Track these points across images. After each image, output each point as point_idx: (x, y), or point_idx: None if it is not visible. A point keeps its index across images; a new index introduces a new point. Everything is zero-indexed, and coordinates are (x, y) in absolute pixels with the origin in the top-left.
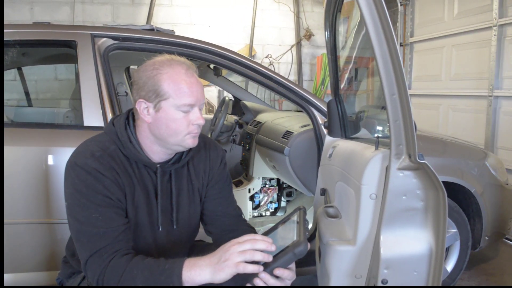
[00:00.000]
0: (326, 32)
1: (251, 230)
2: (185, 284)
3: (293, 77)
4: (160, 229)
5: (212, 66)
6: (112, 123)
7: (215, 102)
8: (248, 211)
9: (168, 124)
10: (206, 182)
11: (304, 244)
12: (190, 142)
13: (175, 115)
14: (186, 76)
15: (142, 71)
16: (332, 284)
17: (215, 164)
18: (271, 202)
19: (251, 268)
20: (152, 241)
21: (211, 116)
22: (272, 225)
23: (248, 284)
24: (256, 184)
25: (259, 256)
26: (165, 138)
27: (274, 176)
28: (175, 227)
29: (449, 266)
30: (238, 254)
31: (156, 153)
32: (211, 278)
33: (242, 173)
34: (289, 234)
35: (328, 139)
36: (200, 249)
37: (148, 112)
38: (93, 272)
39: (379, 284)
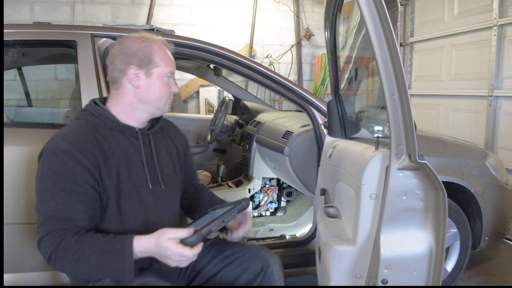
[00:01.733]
0: (326, 32)
1: (214, 197)
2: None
3: (293, 77)
4: (151, 186)
5: (212, 66)
6: (81, 110)
7: (215, 102)
8: (248, 211)
9: (157, 88)
10: (183, 157)
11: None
12: (167, 107)
13: (162, 81)
14: (168, 50)
15: (131, 43)
16: (332, 284)
17: (185, 142)
18: (271, 202)
19: (186, 263)
20: (142, 206)
21: (211, 116)
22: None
23: None
24: (256, 184)
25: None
26: (152, 102)
27: (274, 176)
28: (162, 186)
29: (449, 266)
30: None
31: (134, 120)
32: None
33: (242, 173)
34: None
35: (328, 139)
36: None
37: (139, 78)
38: (44, 251)
39: (379, 284)
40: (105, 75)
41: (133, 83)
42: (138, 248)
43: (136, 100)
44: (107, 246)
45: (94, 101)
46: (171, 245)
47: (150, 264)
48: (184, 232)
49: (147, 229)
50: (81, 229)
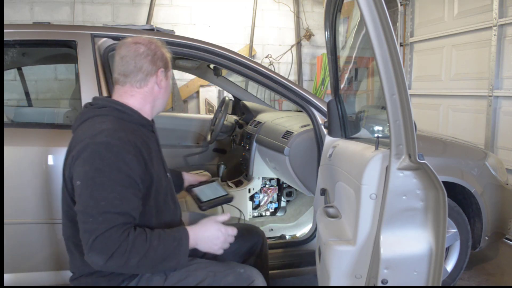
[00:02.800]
0: (326, 32)
1: None
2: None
3: (293, 77)
4: (169, 176)
5: (212, 66)
6: (98, 108)
7: (215, 102)
8: (248, 211)
9: (169, 90)
10: None
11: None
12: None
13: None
14: None
15: (157, 46)
16: (332, 284)
17: None
18: (271, 202)
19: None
20: (168, 190)
21: (211, 116)
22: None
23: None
24: (256, 184)
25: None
26: (165, 101)
27: (274, 176)
28: (169, 176)
29: (449, 266)
30: (220, 248)
31: (150, 115)
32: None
33: (242, 173)
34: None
35: (328, 139)
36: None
37: (162, 80)
38: (107, 246)
39: (379, 284)
40: (105, 72)
41: (159, 84)
42: (191, 237)
43: (155, 99)
44: (167, 239)
45: (107, 98)
46: (222, 227)
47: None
48: (224, 217)
49: (174, 220)
50: (136, 225)
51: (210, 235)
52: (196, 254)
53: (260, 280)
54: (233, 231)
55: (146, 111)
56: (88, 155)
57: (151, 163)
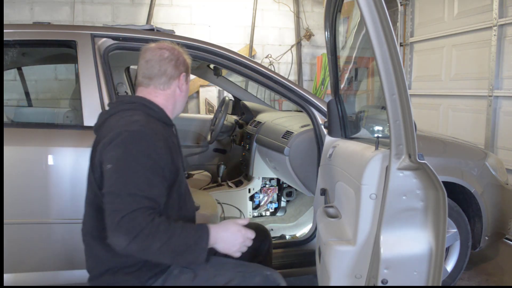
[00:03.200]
0: (326, 32)
1: None
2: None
3: (293, 77)
4: (186, 173)
5: (212, 66)
6: (126, 102)
7: (215, 102)
8: (248, 211)
9: (187, 93)
10: None
11: None
12: None
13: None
14: None
15: (179, 52)
16: (332, 284)
17: None
18: (271, 202)
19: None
20: (187, 188)
21: (211, 116)
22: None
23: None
24: (256, 184)
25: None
26: (184, 103)
27: (274, 176)
28: (185, 172)
29: (449, 266)
30: (238, 250)
31: (172, 116)
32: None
33: (242, 173)
34: None
35: (328, 139)
36: None
37: (183, 84)
38: (132, 226)
39: (379, 284)
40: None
41: (180, 88)
42: (211, 235)
43: (175, 101)
44: (189, 231)
45: (134, 95)
46: (242, 229)
47: None
48: (244, 221)
49: (192, 217)
50: (159, 208)
51: (230, 235)
52: (209, 252)
53: (284, 284)
54: (252, 234)
55: (170, 112)
56: (121, 140)
57: (176, 157)
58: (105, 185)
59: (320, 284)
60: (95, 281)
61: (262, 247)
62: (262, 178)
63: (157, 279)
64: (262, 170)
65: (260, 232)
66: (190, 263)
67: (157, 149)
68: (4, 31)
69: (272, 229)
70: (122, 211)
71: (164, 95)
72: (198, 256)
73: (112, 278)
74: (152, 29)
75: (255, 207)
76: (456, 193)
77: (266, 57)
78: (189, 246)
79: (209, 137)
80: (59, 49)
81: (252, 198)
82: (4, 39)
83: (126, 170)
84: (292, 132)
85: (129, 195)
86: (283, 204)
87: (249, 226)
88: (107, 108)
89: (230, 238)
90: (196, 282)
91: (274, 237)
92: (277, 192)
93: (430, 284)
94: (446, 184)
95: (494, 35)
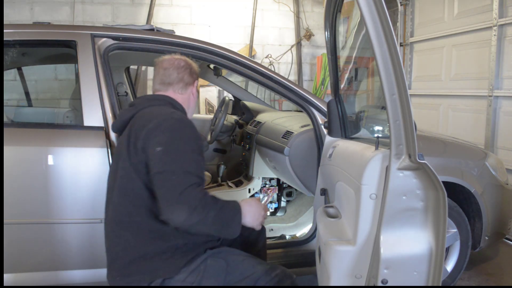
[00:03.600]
0: (326, 32)
1: None
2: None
3: (293, 77)
4: None
5: (212, 66)
6: (154, 99)
7: (215, 102)
8: None
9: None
10: None
11: None
12: None
13: None
14: None
15: (191, 62)
16: (332, 284)
17: None
18: (271, 202)
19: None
20: None
21: (211, 116)
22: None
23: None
24: (256, 184)
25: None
26: (195, 108)
27: (274, 176)
28: None
29: (449, 266)
30: (260, 224)
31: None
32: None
33: (242, 173)
34: None
35: (328, 139)
36: None
37: (195, 89)
38: (194, 196)
39: (379, 284)
40: (105, 72)
41: (194, 93)
42: (242, 210)
43: (189, 105)
44: (228, 206)
45: (157, 94)
46: (263, 205)
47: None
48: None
49: None
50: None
51: (255, 209)
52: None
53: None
54: (266, 211)
55: (185, 113)
56: (168, 126)
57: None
58: (155, 166)
59: (320, 284)
60: (125, 269)
61: (260, 239)
62: (262, 178)
63: (191, 265)
64: (262, 170)
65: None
66: (231, 235)
67: (197, 135)
68: (4, 31)
69: (272, 229)
70: (180, 186)
71: (181, 98)
72: (236, 229)
73: (147, 263)
74: (152, 29)
75: None
76: (456, 193)
77: (266, 57)
78: (230, 219)
79: (209, 137)
80: (59, 49)
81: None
82: (4, 39)
83: (176, 152)
84: (292, 132)
85: (184, 173)
86: (283, 204)
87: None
88: (136, 100)
89: (254, 212)
90: (229, 269)
91: (274, 237)
92: (277, 192)
93: (430, 284)
94: (446, 184)
95: (494, 35)
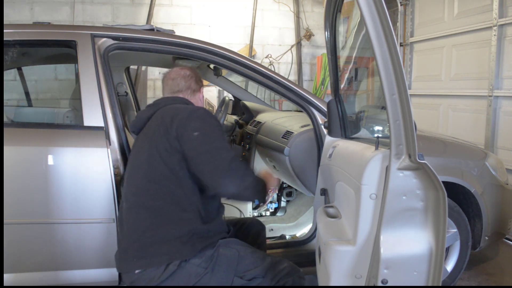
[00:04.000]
0: (326, 32)
1: None
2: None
3: (293, 77)
4: None
5: (212, 66)
6: (172, 100)
7: (215, 102)
8: (248, 211)
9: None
10: None
11: None
12: None
13: None
14: None
15: (192, 69)
16: (332, 284)
17: None
18: (271, 202)
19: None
20: None
21: None
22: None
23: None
24: None
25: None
26: None
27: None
28: None
29: (449, 266)
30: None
31: None
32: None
33: None
34: None
35: (328, 139)
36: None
37: (201, 95)
38: (240, 167)
39: (379, 284)
40: (104, 72)
41: (201, 99)
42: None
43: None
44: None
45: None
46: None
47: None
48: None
49: None
50: None
51: (273, 180)
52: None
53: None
54: (278, 183)
55: None
56: (199, 115)
57: None
58: (197, 148)
59: (320, 284)
60: (145, 251)
61: (262, 234)
62: None
63: (206, 251)
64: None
65: (257, 223)
66: (264, 200)
67: (220, 124)
68: (4, 31)
69: (272, 229)
70: (227, 159)
71: (192, 103)
72: (264, 197)
73: (166, 245)
74: (152, 29)
75: (255, 207)
76: (456, 193)
77: (266, 57)
78: (263, 185)
79: None
80: (59, 49)
81: None
82: (4, 39)
83: (212, 134)
84: (292, 132)
85: (225, 149)
86: (283, 204)
87: (246, 221)
88: (155, 101)
89: (271, 182)
90: (240, 259)
91: (274, 237)
92: (277, 192)
93: (430, 284)
94: (446, 184)
95: (494, 35)
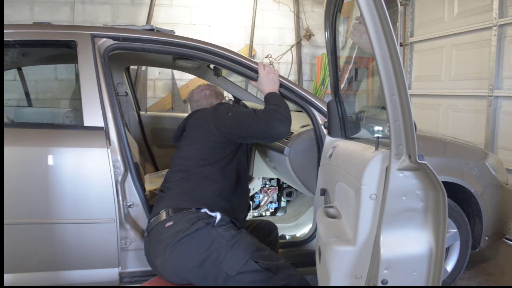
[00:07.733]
0: (326, 32)
1: None
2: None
3: (293, 77)
4: None
5: (212, 66)
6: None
7: None
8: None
9: None
10: None
11: None
12: None
13: None
14: None
15: (211, 86)
16: (332, 284)
17: None
18: (271, 202)
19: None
20: None
21: None
22: None
23: None
24: (256, 184)
25: None
26: None
27: (274, 176)
28: None
29: (449, 266)
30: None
31: None
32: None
33: None
34: None
35: (328, 139)
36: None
37: None
38: (272, 115)
39: (379, 284)
40: (105, 72)
41: None
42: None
43: None
44: (274, 94)
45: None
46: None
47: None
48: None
49: None
50: None
51: (275, 85)
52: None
53: None
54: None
55: None
56: (224, 105)
57: None
58: (238, 121)
59: (320, 284)
60: (179, 199)
61: (275, 234)
62: (262, 178)
63: (231, 230)
64: (262, 170)
65: (269, 224)
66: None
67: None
68: (4, 31)
69: None
70: (262, 116)
71: None
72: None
73: (197, 196)
74: (152, 29)
75: (255, 207)
76: (456, 193)
77: (266, 57)
78: (283, 101)
79: None
80: (59, 49)
81: (252, 198)
82: (4, 39)
83: (239, 109)
84: (292, 132)
85: (254, 111)
86: (283, 204)
87: (259, 223)
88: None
89: (275, 84)
90: (258, 248)
91: None
92: (277, 192)
93: (430, 284)
94: (446, 184)
95: (494, 35)
